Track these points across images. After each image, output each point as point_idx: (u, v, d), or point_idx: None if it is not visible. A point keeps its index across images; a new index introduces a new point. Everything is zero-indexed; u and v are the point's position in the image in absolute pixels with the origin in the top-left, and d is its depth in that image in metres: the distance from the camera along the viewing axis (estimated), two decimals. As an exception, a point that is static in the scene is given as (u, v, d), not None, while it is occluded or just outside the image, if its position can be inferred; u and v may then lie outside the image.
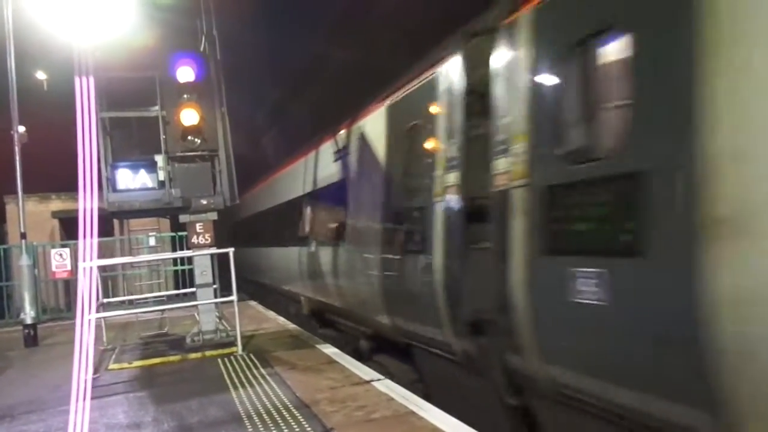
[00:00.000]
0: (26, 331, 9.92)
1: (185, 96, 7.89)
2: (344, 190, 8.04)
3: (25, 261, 10.36)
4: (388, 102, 6.78)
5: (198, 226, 8.36)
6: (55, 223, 17.44)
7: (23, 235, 10.41)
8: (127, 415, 5.39)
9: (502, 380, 4.54)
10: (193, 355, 7.79)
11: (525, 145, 4.12)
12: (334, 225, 8.37)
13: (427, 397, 5.52)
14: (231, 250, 7.99)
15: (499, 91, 4.50)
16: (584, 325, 3.53)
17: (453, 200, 5.09)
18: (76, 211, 5.81)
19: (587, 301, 3.45)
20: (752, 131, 2.55)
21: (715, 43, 2.68)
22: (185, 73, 7.82)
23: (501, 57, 4.48)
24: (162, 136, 8.23)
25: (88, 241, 5.61)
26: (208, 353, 7.83)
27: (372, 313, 7.09)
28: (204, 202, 8.26)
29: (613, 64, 3.45)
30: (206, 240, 8.37)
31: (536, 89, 4.09)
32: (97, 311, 6.87)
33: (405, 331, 6.35)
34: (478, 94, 4.88)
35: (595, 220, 3.48)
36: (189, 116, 7.83)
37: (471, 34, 5.02)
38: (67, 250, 13.47)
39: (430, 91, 5.65)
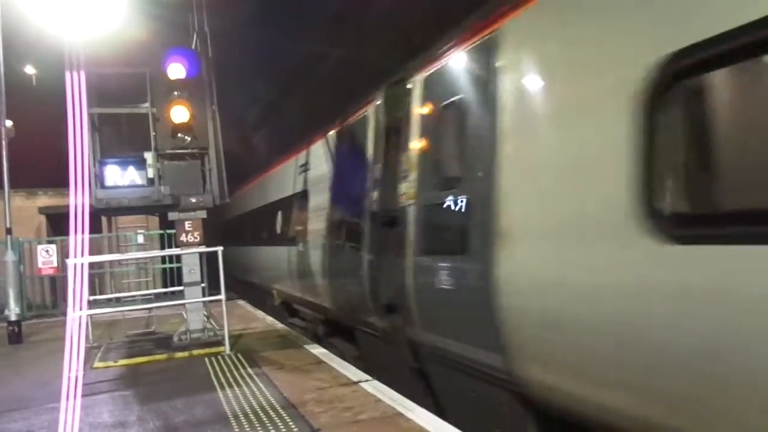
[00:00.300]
0: (10, 328, 9.82)
1: (176, 93, 7.83)
2: (304, 199, 9.65)
3: (10, 257, 10.25)
4: (330, 132, 8.55)
5: (187, 224, 8.31)
6: (42, 219, 17.28)
7: (8, 231, 10.30)
8: (112, 414, 5.33)
9: (406, 349, 5.90)
10: (179, 354, 7.73)
11: (415, 174, 5.64)
12: (295, 228, 10.09)
13: (367, 370, 6.46)
14: (220, 249, 7.95)
15: (403, 130, 6.01)
16: (443, 303, 5.04)
17: (375, 212, 6.52)
18: (64, 207, 5.78)
19: (445, 287, 4.92)
20: (515, 182, 4.13)
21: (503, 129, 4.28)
22: (176, 70, 7.77)
23: (406, 104, 5.98)
24: (152, 133, 8.17)
25: (80, 237, 5.58)
26: (195, 352, 7.78)
27: (323, 302, 8.59)
28: (193, 200, 8.22)
29: (455, 125, 5.07)
30: (195, 238, 8.32)
31: (421, 133, 5.66)
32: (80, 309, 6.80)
33: (346, 316, 7.83)
34: (394, 131, 6.30)
35: (446, 229, 5.04)
36: (179, 113, 7.77)
37: (391, 84, 6.42)
38: (53, 247, 13.35)
39: (361, 126, 7.20)
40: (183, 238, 8.32)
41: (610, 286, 3.21)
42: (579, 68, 3.62)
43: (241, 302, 14.03)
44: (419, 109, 5.72)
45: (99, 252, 12.57)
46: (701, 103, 2.79)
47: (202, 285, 8.93)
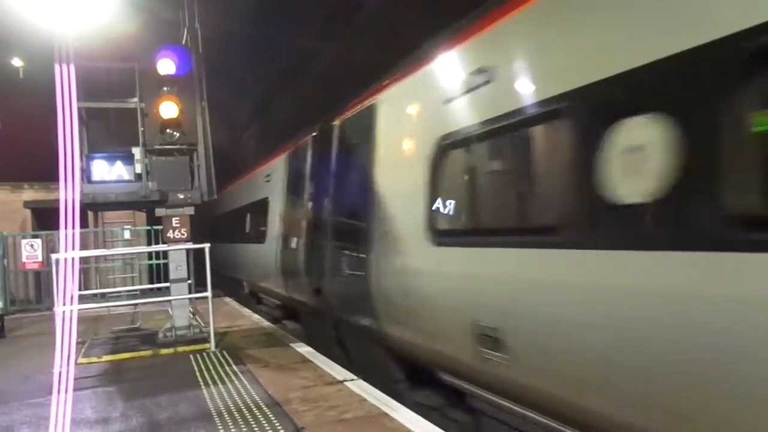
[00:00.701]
0: (-7, 322, 9.72)
1: (165, 88, 7.80)
2: (266, 205, 11.46)
3: (-6, 251, 10.15)
4: (284, 153, 10.53)
5: (174, 221, 8.27)
6: (27, 213, 17.08)
7: (-7, 225, 10.20)
8: (95, 410, 5.30)
9: (330, 323, 7.71)
10: (164, 351, 7.70)
11: (332, 191, 7.59)
12: (259, 229, 11.82)
13: (311, 345, 7.85)
14: (207, 246, 7.92)
15: (327, 159, 7.80)
16: (346, 286, 6.85)
17: (309, 219, 8.49)
18: (50, 201, 5.73)
19: (346, 274, 6.77)
20: (379, 203, 6.01)
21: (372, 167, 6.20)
22: (166, 66, 7.73)
23: (329, 140, 7.81)
24: (140, 129, 8.12)
25: (69, 231, 5.55)
26: (180, 349, 7.74)
27: (278, 290, 10.32)
28: (181, 196, 8.18)
29: (352, 159, 7.01)
30: (182, 235, 8.28)
31: (336, 162, 7.53)
32: (70, 303, 6.76)
33: (292, 300, 9.49)
34: (323, 158, 8.01)
35: (346, 233, 6.93)
36: (168, 109, 7.74)
37: (323, 122, 8.22)
38: (38, 241, 13.23)
39: (303, 151, 9.15)
40: (170, 234, 8.28)
41: (412, 269, 5.26)
42: (408, 137, 5.62)
43: (228, 300, 13.98)
44: (336, 144, 7.62)
45: (85, 247, 12.46)
46: (449, 164, 4.82)
47: (189, 282, 8.89)
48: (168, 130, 7.90)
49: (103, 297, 11.55)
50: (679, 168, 2.75)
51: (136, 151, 8.21)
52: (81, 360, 7.40)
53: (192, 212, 8.39)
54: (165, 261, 10.27)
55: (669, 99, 2.84)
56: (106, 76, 8.53)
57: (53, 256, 7.09)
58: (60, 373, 5.46)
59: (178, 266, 8.45)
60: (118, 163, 8.17)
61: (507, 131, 4.17)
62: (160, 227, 9.01)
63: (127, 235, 13.51)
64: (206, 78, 8.57)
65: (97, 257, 12.69)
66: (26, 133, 14.17)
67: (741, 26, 2.48)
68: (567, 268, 3.47)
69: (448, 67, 4.91)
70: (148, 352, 7.66)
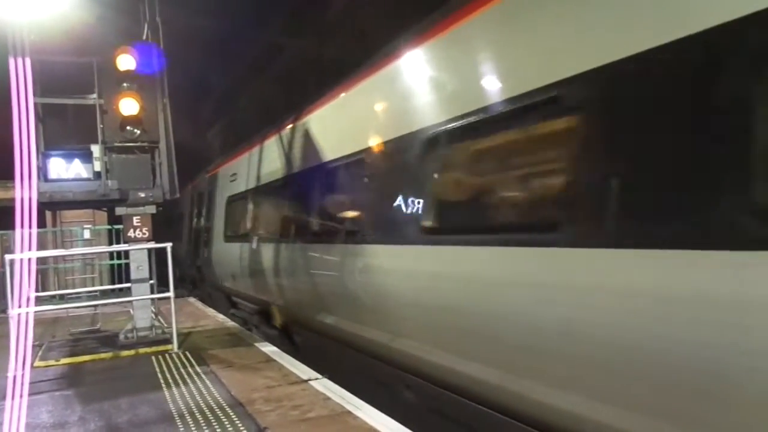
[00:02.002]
0: (-55, 325, 9.38)
1: (125, 84, 7.63)
2: (182, 216, 16.72)
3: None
4: (205, 174, 14.23)
5: (135, 220, 8.10)
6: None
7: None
8: (52, 414, 5.16)
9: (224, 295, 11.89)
10: (125, 353, 7.54)
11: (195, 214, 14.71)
12: (177, 231, 16.51)
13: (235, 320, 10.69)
14: (169, 245, 7.79)
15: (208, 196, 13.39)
16: (205, 264, 12.97)
17: (194, 228, 14.76)
18: (6, 200, 5.56)
19: (222, 258, 11.51)
20: (216, 225, 12.42)
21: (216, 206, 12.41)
22: (126, 61, 7.56)
23: (209, 182, 13.39)
24: (99, 126, 7.94)
25: (26, 231, 5.40)
26: (141, 351, 7.60)
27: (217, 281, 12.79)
28: (142, 195, 8.02)
29: (211, 200, 13.03)
30: (143, 234, 8.12)
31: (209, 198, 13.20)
32: (26, 305, 6.57)
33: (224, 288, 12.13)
34: (209, 194, 13.30)
35: (209, 238, 13.05)
36: (128, 106, 7.57)
37: (206, 170, 13.93)
38: (-8, 241, 12.81)
39: (203, 182, 14.09)
40: (131, 233, 8.11)
41: (219, 251, 11.71)
42: (222, 192, 11.77)
43: (192, 299, 13.78)
44: (207, 186, 13.50)
45: (43, 247, 12.12)
46: (230, 207, 11.20)
47: (151, 282, 8.73)
48: (128, 128, 7.72)
49: (62, 298, 11.26)
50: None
51: (95, 149, 8.02)
52: (38, 363, 7.19)
53: (153, 211, 8.23)
54: (127, 261, 10.07)
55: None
56: (64, 70, 8.31)
57: (7, 257, 6.88)
58: (15, 377, 5.31)
59: (140, 266, 8.29)
60: (76, 161, 7.96)
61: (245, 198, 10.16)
62: (121, 226, 8.81)
63: (87, 234, 13.20)
64: (168, 74, 8.42)
65: (55, 258, 12.36)
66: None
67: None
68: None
69: (227, 170, 11.70)
70: (109, 354, 7.49)
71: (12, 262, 6.68)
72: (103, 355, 7.47)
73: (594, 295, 3.09)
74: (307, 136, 7.28)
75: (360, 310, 5.63)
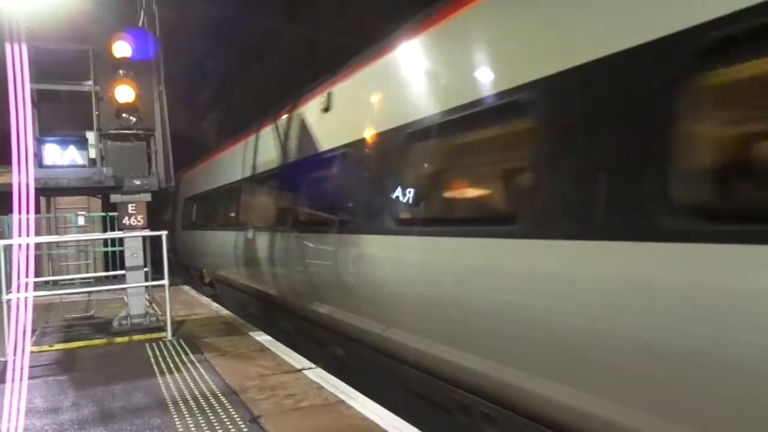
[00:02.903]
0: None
1: (121, 72, 7.59)
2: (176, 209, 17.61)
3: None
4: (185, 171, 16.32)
5: (130, 207, 8.09)
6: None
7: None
8: (45, 399, 5.18)
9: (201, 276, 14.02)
10: (119, 339, 7.57)
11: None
12: (170, 225, 17.51)
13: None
14: (164, 233, 7.80)
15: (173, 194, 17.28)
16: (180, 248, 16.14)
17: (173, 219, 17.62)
18: (1, 185, 5.56)
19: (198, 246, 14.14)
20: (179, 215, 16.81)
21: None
22: (121, 48, 7.52)
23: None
24: (95, 112, 7.91)
25: (24, 216, 5.40)
26: (135, 338, 7.62)
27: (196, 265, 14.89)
28: (137, 182, 8.01)
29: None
30: (138, 222, 8.12)
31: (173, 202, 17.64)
32: (24, 290, 6.57)
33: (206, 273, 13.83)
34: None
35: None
36: (124, 93, 7.54)
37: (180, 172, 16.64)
38: (-14, 226, 12.77)
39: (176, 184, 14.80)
40: (126, 221, 8.10)
41: (181, 238, 16.00)
42: (184, 193, 16.09)
43: (186, 288, 13.80)
44: (177, 188, 16.17)
45: (37, 233, 12.09)
46: (187, 205, 15.61)
47: (145, 269, 8.74)
48: (124, 115, 7.70)
49: (56, 284, 11.25)
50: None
51: (90, 136, 8.00)
52: (32, 348, 7.21)
53: (149, 199, 8.22)
54: (121, 248, 10.06)
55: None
56: (59, 57, 8.26)
57: (2, 242, 6.88)
58: (13, 361, 5.33)
59: (134, 253, 8.30)
60: (71, 148, 7.94)
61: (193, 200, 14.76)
62: (115, 214, 8.80)
63: (81, 221, 13.16)
64: (165, 62, 8.39)
65: (49, 244, 12.33)
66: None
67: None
68: None
69: (186, 177, 15.75)
70: (102, 341, 7.52)
71: (7, 247, 6.67)
72: (96, 342, 7.49)
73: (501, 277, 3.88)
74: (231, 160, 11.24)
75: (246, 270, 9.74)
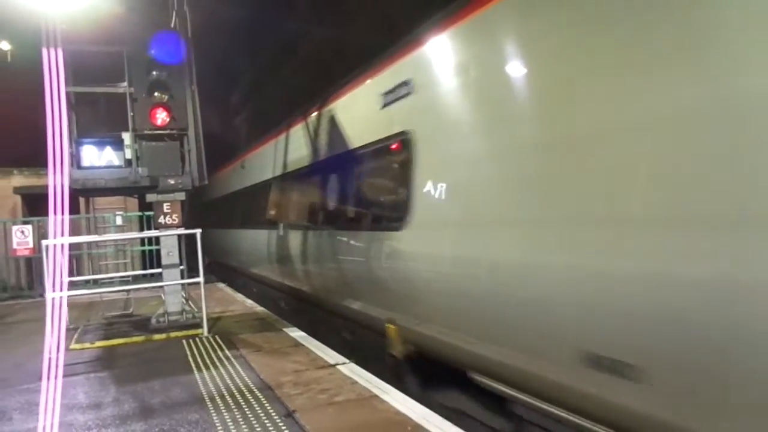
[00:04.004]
0: (-15, 309, 9.69)
1: (154, 73, 7.73)
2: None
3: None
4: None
5: (165, 206, 8.24)
6: (17, 199, 16.96)
7: (-17, 211, 10.12)
8: (88, 395, 5.32)
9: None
10: (157, 336, 7.72)
11: None
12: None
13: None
14: (198, 231, 7.91)
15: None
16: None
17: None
18: (40, 187, 5.69)
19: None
20: None
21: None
22: (156, 51, 7.65)
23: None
24: (129, 114, 8.06)
25: (59, 217, 5.51)
26: (172, 334, 7.76)
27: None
28: (172, 181, 8.14)
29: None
30: (173, 220, 8.26)
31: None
32: (60, 289, 6.75)
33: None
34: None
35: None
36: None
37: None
38: (29, 227, 13.16)
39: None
40: (161, 219, 8.25)
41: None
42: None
43: (221, 285, 14.00)
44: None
45: (77, 233, 12.42)
46: None
47: (181, 267, 8.89)
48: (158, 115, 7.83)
49: (96, 283, 11.53)
50: None
51: (126, 137, 8.16)
52: (74, 346, 7.41)
53: (183, 197, 8.35)
54: (158, 247, 10.25)
55: None
56: (95, 59, 8.44)
57: (44, 242, 7.06)
58: (50, 359, 5.47)
59: (170, 252, 8.44)
60: (108, 149, 8.10)
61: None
62: (152, 213, 8.97)
63: (119, 221, 13.46)
64: (196, 62, 8.49)
65: (89, 243, 12.64)
66: (16, 118, 14.02)
67: None
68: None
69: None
70: (141, 338, 7.68)
71: (48, 247, 6.85)
72: (135, 339, 7.66)
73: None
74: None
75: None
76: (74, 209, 13.82)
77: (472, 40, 4.57)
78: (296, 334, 7.58)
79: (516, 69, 3.99)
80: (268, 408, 4.64)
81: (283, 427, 4.20)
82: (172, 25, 8.25)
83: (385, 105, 5.77)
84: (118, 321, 9.16)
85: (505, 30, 4.12)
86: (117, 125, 8.37)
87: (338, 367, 5.79)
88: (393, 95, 5.59)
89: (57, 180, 5.42)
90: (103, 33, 7.93)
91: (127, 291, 10.00)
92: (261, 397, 4.94)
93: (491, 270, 4.04)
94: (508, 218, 3.93)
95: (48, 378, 5.15)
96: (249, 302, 10.87)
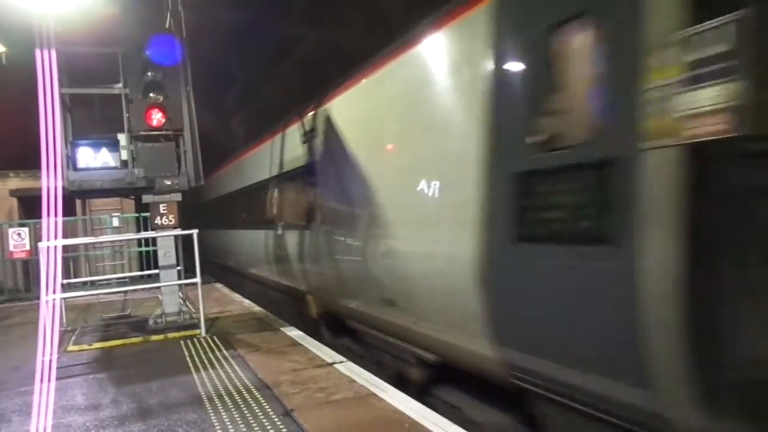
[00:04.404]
0: (-18, 311, 9.67)
1: (149, 74, 7.72)
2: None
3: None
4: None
5: (162, 207, 8.23)
6: (14, 201, 16.90)
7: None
8: (86, 396, 5.33)
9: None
10: (155, 337, 7.72)
11: None
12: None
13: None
14: (195, 232, 7.91)
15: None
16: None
17: None
18: (36, 189, 5.69)
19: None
20: None
21: None
22: (151, 53, 7.65)
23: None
24: (125, 115, 8.05)
25: (52, 220, 5.51)
26: (170, 335, 7.77)
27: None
28: (168, 182, 8.14)
29: None
30: (170, 221, 8.25)
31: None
32: (55, 292, 6.75)
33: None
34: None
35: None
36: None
37: None
38: (25, 230, 13.14)
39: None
40: (158, 220, 8.24)
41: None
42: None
43: (218, 285, 14.00)
44: None
45: (73, 235, 12.39)
46: None
47: (178, 268, 8.89)
48: (153, 116, 7.82)
49: (93, 285, 11.52)
50: None
51: (122, 138, 8.15)
52: (71, 347, 7.41)
53: (179, 198, 8.35)
54: (155, 248, 10.25)
55: None
56: (90, 60, 8.42)
57: (40, 245, 7.06)
58: (44, 361, 5.48)
59: (167, 252, 8.45)
60: (104, 150, 8.10)
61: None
62: (148, 214, 8.96)
63: (115, 222, 13.44)
64: (192, 63, 8.49)
65: (86, 245, 12.62)
66: (11, 120, 13.98)
67: None
68: None
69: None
70: (139, 339, 7.68)
71: (43, 249, 6.85)
72: (133, 340, 7.66)
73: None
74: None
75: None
76: (70, 211, 13.79)
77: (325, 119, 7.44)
78: (294, 333, 7.59)
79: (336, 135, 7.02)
80: (266, 407, 4.66)
81: (281, 426, 4.22)
82: (167, 26, 8.25)
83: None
84: (115, 322, 9.16)
85: (333, 115, 7.18)
86: (113, 126, 8.36)
87: (336, 365, 5.81)
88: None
89: (51, 182, 5.42)
90: (97, 34, 7.93)
91: (125, 292, 10.00)
92: (259, 396, 4.95)
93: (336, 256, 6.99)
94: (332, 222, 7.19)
95: (42, 380, 5.16)
96: (247, 302, 10.88)
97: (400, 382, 5.59)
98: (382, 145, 5.86)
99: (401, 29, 5.86)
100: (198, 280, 7.84)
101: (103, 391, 5.45)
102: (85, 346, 7.44)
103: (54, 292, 6.58)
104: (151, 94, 7.74)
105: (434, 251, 4.79)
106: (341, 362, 5.93)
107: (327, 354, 6.34)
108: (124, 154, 8.16)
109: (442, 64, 4.81)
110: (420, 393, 5.39)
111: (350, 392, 4.91)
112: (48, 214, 5.34)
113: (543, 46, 3.57)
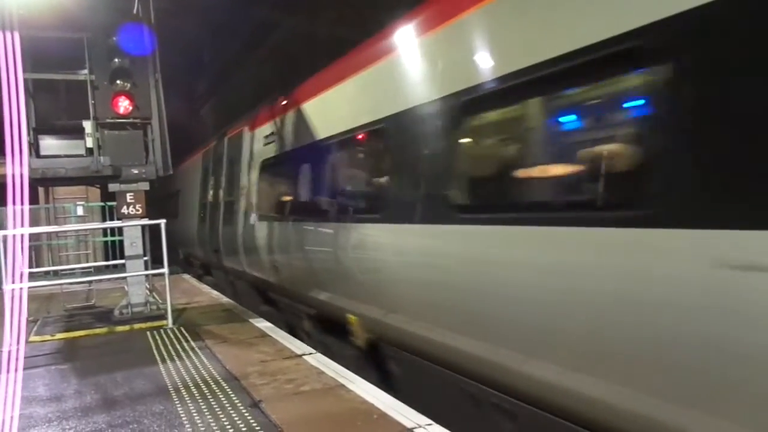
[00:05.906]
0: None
1: (116, 60, 7.57)
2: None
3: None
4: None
5: (128, 196, 8.11)
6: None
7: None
8: (48, 387, 5.23)
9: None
10: (120, 328, 7.61)
11: None
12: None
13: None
14: (162, 222, 7.81)
15: None
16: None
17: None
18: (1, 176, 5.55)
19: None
20: None
21: None
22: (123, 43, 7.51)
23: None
24: (91, 101, 7.88)
25: (18, 207, 5.39)
26: (136, 326, 7.66)
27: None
28: (135, 171, 8.01)
29: None
30: (137, 211, 8.13)
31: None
32: (20, 281, 6.60)
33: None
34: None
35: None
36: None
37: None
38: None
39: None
40: (124, 210, 8.12)
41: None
42: None
43: (186, 276, 13.84)
44: None
45: (36, 224, 12.08)
46: None
47: (145, 258, 8.76)
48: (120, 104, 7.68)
49: (56, 274, 11.27)
50: None
51: (87, 125, 7.98)
52: (33, 338, 7.25)
53: (147, 188, 8.22)
54: (120, 238, 10.08)
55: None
56: (55, 45, 8.21)
57: (3, 233, 6.88)
58: (9, 351, 5.37)
59: (133, 242, 8.31)
60: (69, 137, 7.92)
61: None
62: (114, 203, 8.80)
63: (80, 211, 13.14)
64: (161, 50, 8.34)
65: (49, 234, 12.34)
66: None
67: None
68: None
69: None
70: (103, 330, 7.56)
71: (5, 238, 6.69)
72: (98, 331, 7.54)
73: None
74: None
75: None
76: (33, 199, 13.46)
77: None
78: (263, 324, 7.56)
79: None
80: (234, 398, 4.64)
81: (249, 417, 4.21)
82: (135, 11, 8.08)
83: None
84: (79, 313, 9.00)
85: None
86: (78, 114, 8.18)
87: (305, 357, 5.81)
88: None
89: (15, 170, 5.29)
90: (62, 18, 7.72)
91: (89, 282, 9.82)
92: (227, 387, 4.93)
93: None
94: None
95: (8, 371, 5.05)
96: (215, 293, 10.79)
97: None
98: None
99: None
100: (165, 270, 7.74)
101: (66, 382, 5.36)
102: (48, 337, 7.30)
103: (21, 281, 6.44)
104: (118, 81, 7.60)
105: None
106: (310, 354, 5.94)
107: (296, 346, 6.34)
108: (90, 142, 8.00)
109: None
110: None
111: (319, 384, 4.93)
112: (14, 202, 5.21)
113: None
